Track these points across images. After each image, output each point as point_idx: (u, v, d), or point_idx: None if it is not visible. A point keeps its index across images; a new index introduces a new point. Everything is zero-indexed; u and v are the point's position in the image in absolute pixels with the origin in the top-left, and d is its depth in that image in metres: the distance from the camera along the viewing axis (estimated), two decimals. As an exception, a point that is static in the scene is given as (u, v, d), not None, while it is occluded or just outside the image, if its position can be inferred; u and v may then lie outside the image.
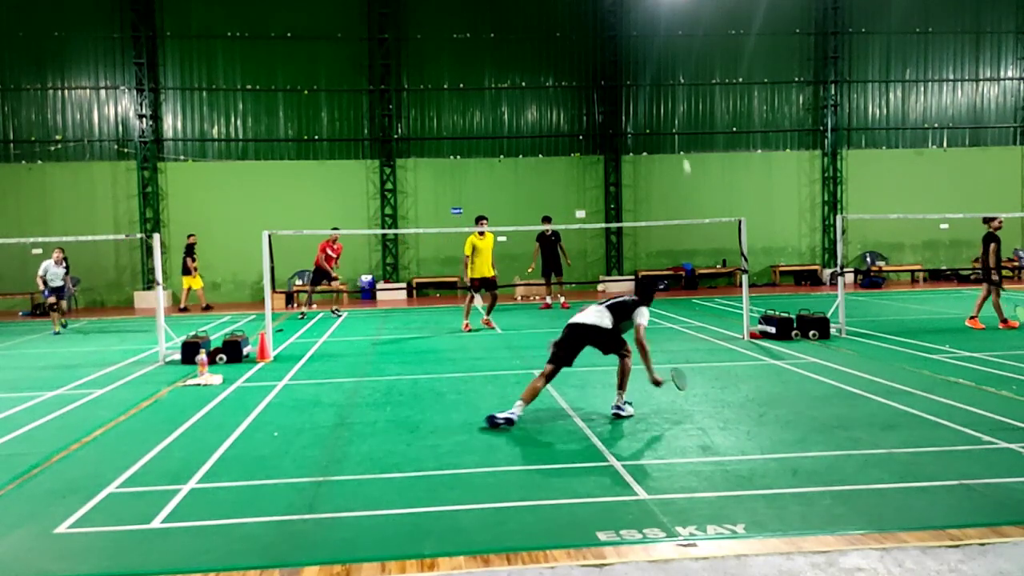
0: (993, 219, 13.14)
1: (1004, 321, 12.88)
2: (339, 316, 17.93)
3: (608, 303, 7.74)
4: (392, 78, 22.83)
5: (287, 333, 14.80)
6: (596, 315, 7.63)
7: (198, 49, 22.36)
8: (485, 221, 14.69)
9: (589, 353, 7.59)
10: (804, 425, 6.95)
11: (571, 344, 7.56)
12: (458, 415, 7.68)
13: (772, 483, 5.40)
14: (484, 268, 14.38)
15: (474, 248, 14.27)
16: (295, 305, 20.73)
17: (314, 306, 18.94)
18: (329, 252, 18.05)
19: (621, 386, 7.61)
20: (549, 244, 18.22)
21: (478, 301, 16.19)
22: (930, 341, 11.70)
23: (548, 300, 18.67)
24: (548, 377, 7.48)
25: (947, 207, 22.20)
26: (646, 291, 7.83)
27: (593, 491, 5.33)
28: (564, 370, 7.45)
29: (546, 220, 17.95)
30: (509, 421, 7.13)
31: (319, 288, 18.52)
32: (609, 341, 7.62)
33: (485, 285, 14.59)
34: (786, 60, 23.95)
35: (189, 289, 20.33)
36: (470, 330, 14.27)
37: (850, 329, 12.96)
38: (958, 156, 24.36)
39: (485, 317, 14.79)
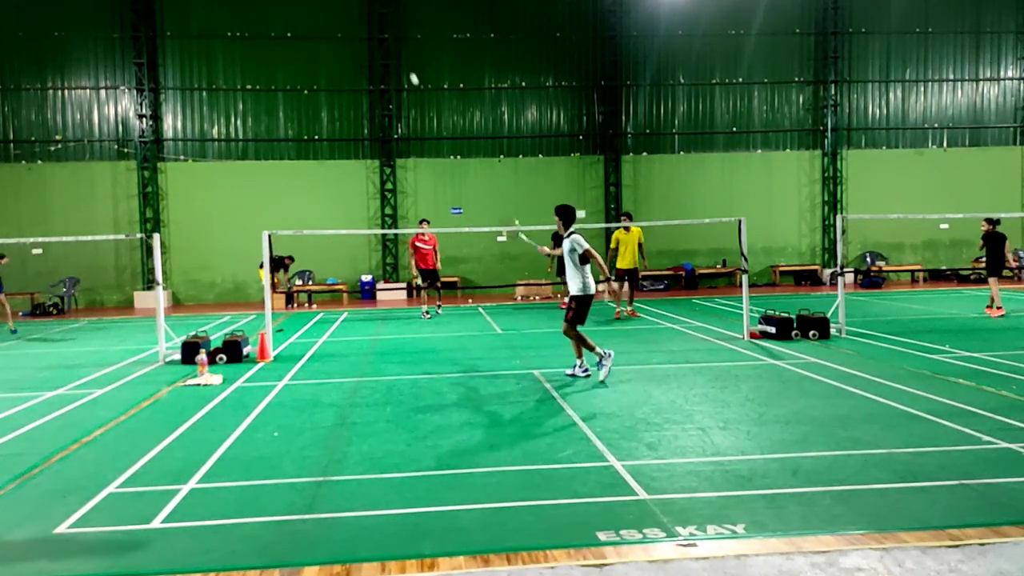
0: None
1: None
2: (437, 313, 17.24)
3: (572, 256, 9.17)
4: (392, 78, 22.83)
5: (287, 333, 14.80)
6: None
7: (198, 49, 22.36)
8: (627, 217, 16.28)
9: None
10: (804, 425, 6.94)
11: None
12: (458, 415, 7.68)
13: (772, 483, 5.40)
14: (626, 260, 15.68)
15: (618, 242, 15.78)
16: (294, 305, 20.72)
17: (437, 306, 17.83)
18: (420, 245, 16.71)
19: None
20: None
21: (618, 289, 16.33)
22: (930, 341, 11.70)
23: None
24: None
25: (947, 207, 22.25)
26: (563, 216, 9.43)
27: (593, 491, 5.32)
28: (564, 369, 7.47)
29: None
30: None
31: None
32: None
33: (628, 276, 15.83)
34: (786, 60, 23.95)
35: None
36: (620, 317, 15.58)
37: (850, 329, 12.96)
38: (958, 156, 24.36)
39: (629, 308, 15.99)
